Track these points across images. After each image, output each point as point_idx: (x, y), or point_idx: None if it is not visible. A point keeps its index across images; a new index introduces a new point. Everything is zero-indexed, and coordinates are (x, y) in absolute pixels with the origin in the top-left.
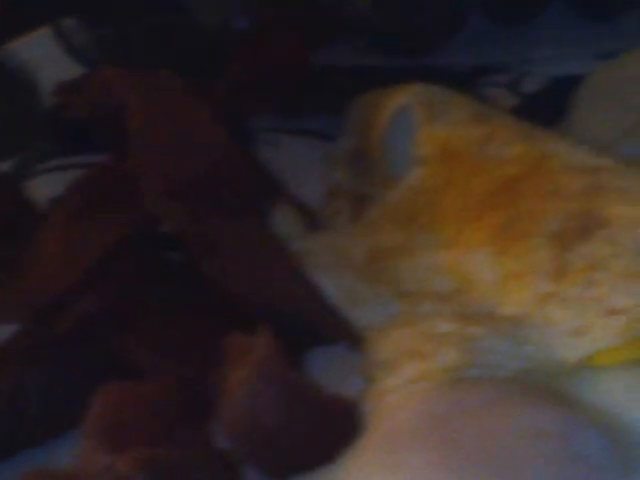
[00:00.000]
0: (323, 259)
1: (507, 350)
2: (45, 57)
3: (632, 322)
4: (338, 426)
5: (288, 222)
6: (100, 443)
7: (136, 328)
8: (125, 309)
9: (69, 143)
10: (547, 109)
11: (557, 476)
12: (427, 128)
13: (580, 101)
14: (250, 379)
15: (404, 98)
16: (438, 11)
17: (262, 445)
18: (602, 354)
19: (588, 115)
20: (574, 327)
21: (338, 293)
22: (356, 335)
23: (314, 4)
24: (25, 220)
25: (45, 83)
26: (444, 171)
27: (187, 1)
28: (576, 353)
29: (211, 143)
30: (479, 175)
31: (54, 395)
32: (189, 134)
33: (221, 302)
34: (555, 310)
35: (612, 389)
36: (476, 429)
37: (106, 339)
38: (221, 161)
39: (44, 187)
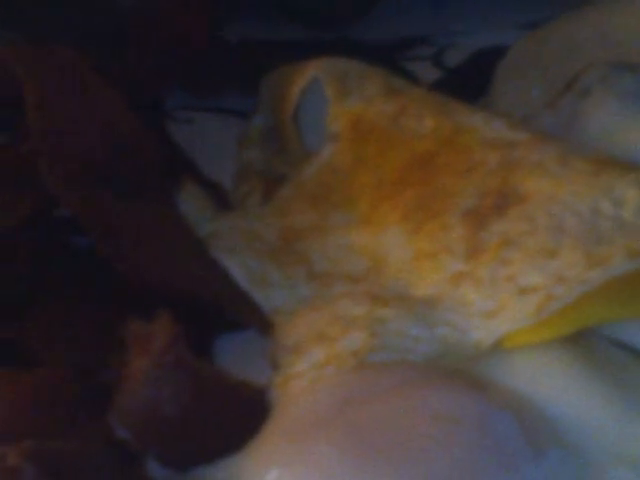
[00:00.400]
0: (232, 241)
1: (419, 333)
2: None
3: (545, 301)
4: (245, 414)
5: (196, 203)
6: None
7: (34, 315)
8: (22, 295)
9: None
10: (471, 82)
11: (468, 462)
12: (339, 103)
13: (501, 73)
14: (149, 367)
15: (315, 72)
16: None
17: (162, 435)
18: (515, 335)
19: (509, 87)
20: (487, 308)
21: (247, 276)
22: (266, 320)
23: None
24: None
25: None
26: (357, 147)
27: None
28: (489, 335)
29: (116, 123)
30: (392, 151)
31: None
32: (92, 114)
33: (124, 288)
34: (468, 291)
35: (526, 371)
36: (384, 414)
37: (2, 327)
38: (126, 141)
39: None
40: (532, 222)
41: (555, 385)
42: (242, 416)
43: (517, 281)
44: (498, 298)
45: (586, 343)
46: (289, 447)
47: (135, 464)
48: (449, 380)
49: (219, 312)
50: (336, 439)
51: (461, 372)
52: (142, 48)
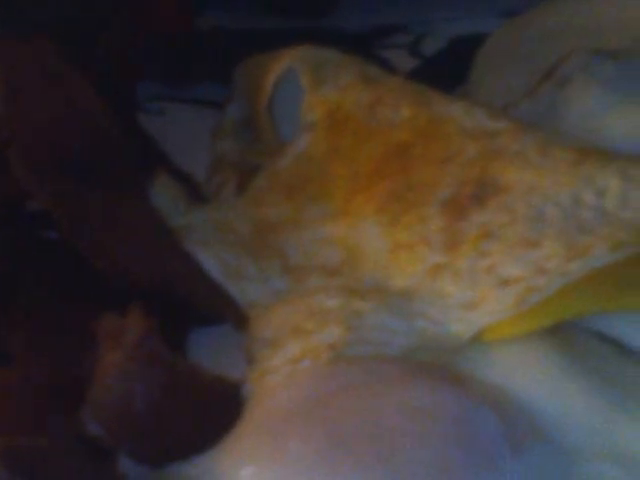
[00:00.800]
0: (206, 234)
1: (397, 326)
2: None
3: (524, 293)
4: (220, 410)
5: (169, 196)
6: None
7: (5, 311)
8: None
9: None
10: (449, 70)
11: (444, 457)
12: (314, 92)
13: (480, 61)
14: (122, 362)
15: (290, 62)
16: None
17: (135, 431)
18: (495, 328)
19: (488, 76)
20: (466, 300)
21: (221, 269)
22: (241, 314)
23: None
24: None
25: None
26: (332, 137)
27: None
28: (468, 327)
29: (87, 114)
30: (369, 141)
31: None
32: (62, 104)
33: (98, 283)
34: (447, 283)
35: (505, 364)
36: (358, 410)
37: None
38: (98, 132)
39: None
40: (512, 213)
41: (535, 378)
42: (217, 411)
43: (497, 273)
44: (477, 290)
45: (567, 336)
46: (264, 443)
47: (108, 461)
48: (426, 374)
49: (193, 306)
50: (311, 435)
51: (440, 365)
52: (121, 41)
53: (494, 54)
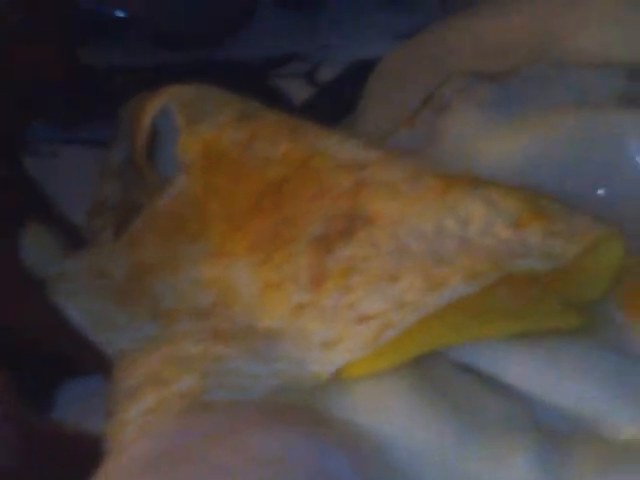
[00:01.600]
0: (76, 283)
1: (257, 370)
2: None
3: (382, 328)
4: (80, 465)
5: (41, 245)
6: None
7: None
8: None
9: None
10: (343, 98)
11: None
12: (190, 131)
13: (370, 87)
14: None
15: (166, 100)
16: (224, 4)
17: None
18: (355, 365)
19: (375, 103)
20: (327, 338)
21: (89, 320)
22: (107, 364)
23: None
24: None
25: None
26: (209, 177)
27: None
28: (327, 367)
29: None
30: (245, 179)
31: None
32: None
33: None
34: (310, 321)
35: (364, 403)
36: (207, 464)
37: None
38: None
39: None
40: (377, 245)
41: (392, 416)
42: (77, 467)
43: (357, 309)
44: (338, 327)
45: (428, 368)
46: None
47: None
48: (282, 420)
49: (61, 358)
50: None
51: (300, 408)
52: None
53: (381, 80)
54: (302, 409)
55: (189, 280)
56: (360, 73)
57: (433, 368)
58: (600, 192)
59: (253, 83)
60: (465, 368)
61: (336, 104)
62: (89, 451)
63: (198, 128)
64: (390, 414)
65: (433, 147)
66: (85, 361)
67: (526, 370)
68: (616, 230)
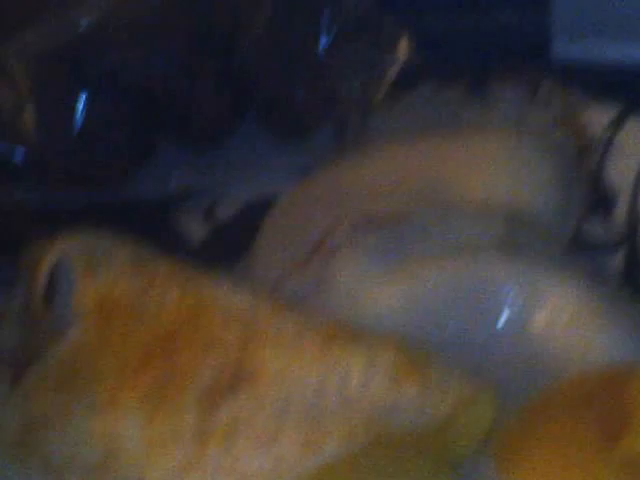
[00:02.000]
0: None
1: None
2: None
3: None
4: None
5: None
6: None
7: None
8: None
9: None
10: (239, 237)
11: None
12: (86, 281)
13: (265, 228)
14: None
15: (63, 249)
16: (121, 143)
17: None
18: None
19: (268, 246)
20: None
21: None
22: None
23: None
24: None
25: None
26: (102, 326)
27: None
28: None
29: None
30: (138, 328)
31: None
32: None
33: None
34: None
35: None
36: None
37: None
38: None
39: None
40: (261, 402)
41: None
42: None
43: (238, 469)
44: None
45: None
46: None
47: None
48: None
49: None
50: None
51: None
52: None
53: (274, 225)
54: None
55: (78, 434)
56: (257, 212)
57: None
58: (478, 338)
59: (152, 222)
60: None
61: (231, 246)
62: None
63: (94, 277)
64: None
65: (322, 293)
66: None
67: None
68: (488, 385)
